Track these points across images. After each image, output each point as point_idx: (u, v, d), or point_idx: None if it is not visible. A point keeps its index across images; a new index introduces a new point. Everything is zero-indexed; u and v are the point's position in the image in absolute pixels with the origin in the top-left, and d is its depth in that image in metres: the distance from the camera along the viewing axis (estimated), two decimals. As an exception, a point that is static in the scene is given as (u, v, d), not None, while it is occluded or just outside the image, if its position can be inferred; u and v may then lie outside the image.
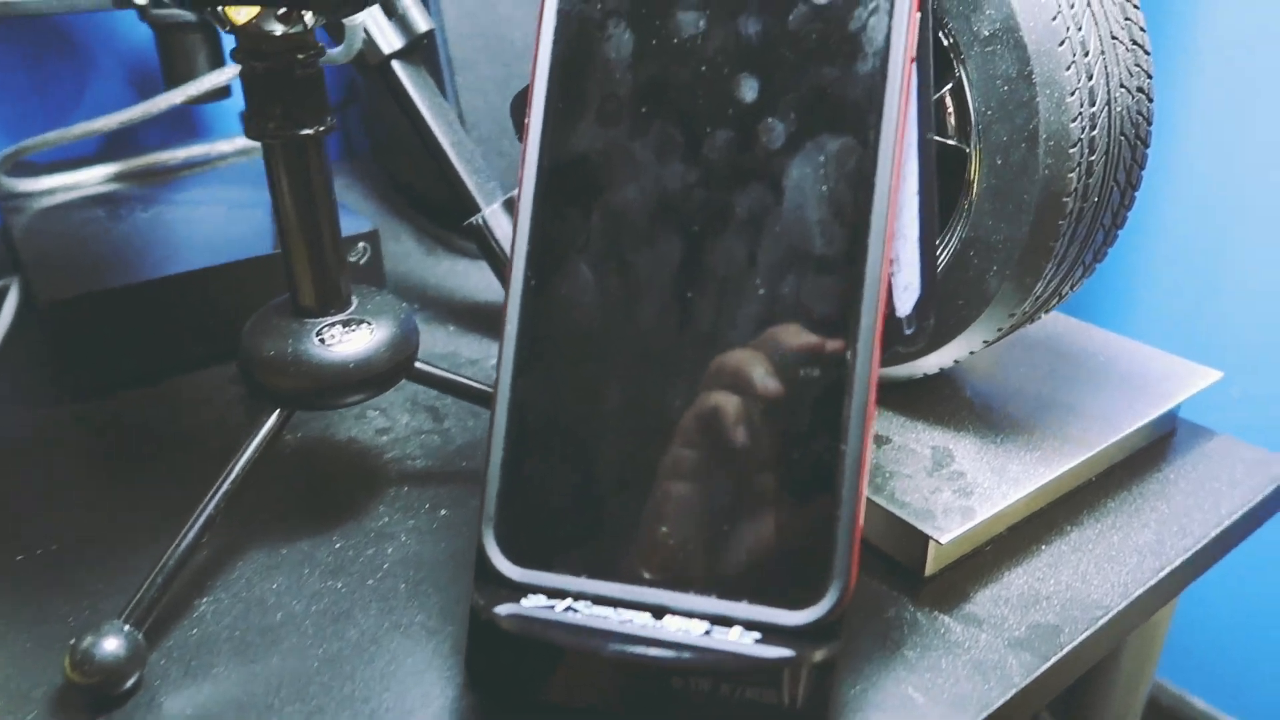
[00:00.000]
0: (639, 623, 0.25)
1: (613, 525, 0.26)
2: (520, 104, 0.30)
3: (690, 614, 0.25)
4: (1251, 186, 0.49)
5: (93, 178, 0.55)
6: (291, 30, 0.28)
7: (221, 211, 0.52)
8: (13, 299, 0.48)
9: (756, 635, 0.25)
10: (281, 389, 0.32)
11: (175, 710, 0.27)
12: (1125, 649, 0.44)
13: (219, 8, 0.27)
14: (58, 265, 0.45)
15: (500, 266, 0.45)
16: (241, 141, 0.59)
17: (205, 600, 0.31)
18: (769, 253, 0.25)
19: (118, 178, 0.55)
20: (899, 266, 0.26)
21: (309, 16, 0.28)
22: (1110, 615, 0.30)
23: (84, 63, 0.62)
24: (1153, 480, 0.36)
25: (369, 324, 0.32)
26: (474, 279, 0.54)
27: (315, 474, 0.38)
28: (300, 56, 0.29)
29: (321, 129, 0.30)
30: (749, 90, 0.26)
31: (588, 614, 0.25)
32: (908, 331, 0.26)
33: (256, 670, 0.29)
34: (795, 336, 0.25)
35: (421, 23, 0.42)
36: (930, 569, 0.31)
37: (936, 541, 0.30)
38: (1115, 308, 0.56)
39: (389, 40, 0.42)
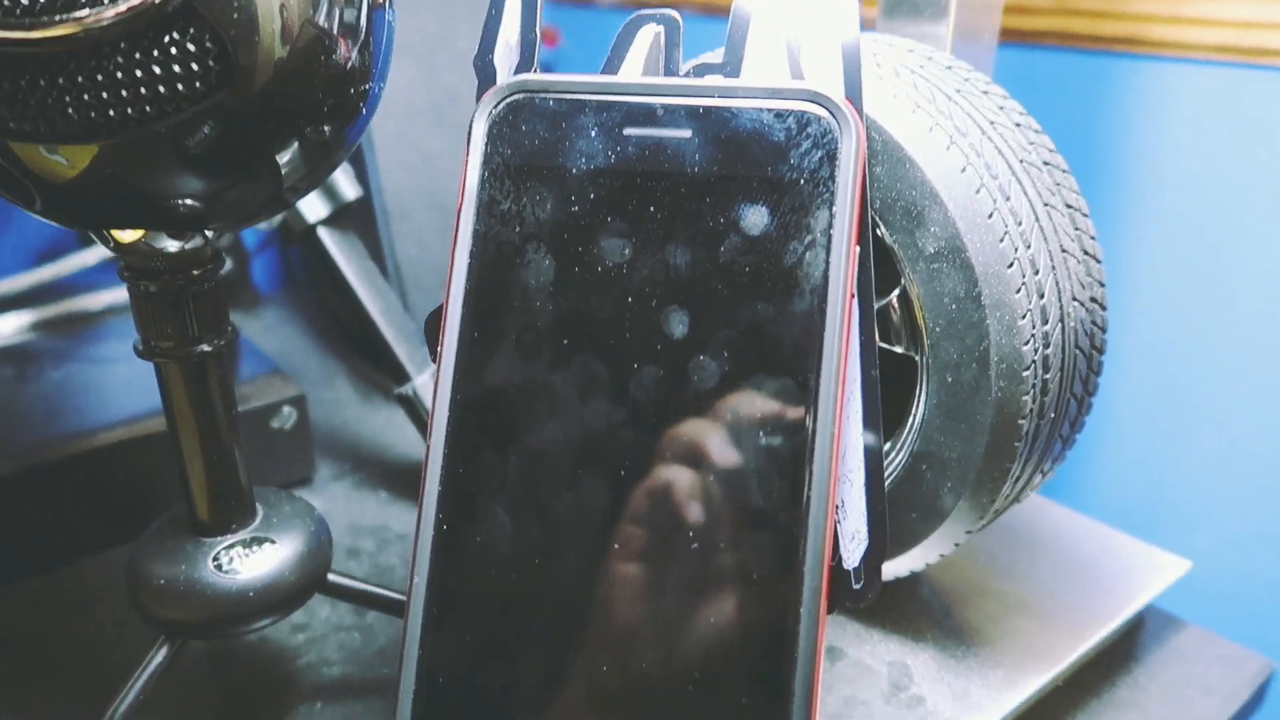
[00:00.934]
0: None
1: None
2: (434, 325, 0.28)
3: None
4: (1219, 359, 0.48)
5: (7, 328, 0.52)
6: (186, 246, 0.26)
7: (141, 368, 0.49)
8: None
9: None
10: (173, 620, 0.29)
11: None
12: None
13: (102, 230, 0.25)
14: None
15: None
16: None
17: None
18: (703, 505, 0.23)
19: (35, 327, 0.52)
20: (845, 513, 0.24)
21: (209, 232, 0.26)
22: None
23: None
24: (1123, 685, 0.34)
25: (274, 542, 0.30)
26: (410, 434, 0.51)
27: (217, 685, 0.35)
28: (195, 274, 0.26)
29: (221, 343, 0.28)
30: (679, 324, 0.24)
31: None
32: (856, 586, 0.24)
33: None
34: (733, 603, 0.23)
35: (349, 190, 0.40)
36: (888, 813, 0.29)
37: (894, 794, 0.27)
38: (1078, 482, 0.55)
39: (314, 209, 0.40)
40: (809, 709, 0.22)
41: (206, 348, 0.27)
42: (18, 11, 0.21)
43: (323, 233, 0.41)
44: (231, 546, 0.29)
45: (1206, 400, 0.49)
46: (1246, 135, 0.46)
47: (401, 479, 0.47)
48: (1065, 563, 0.36)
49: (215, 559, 0.29)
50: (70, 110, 0.21)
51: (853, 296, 0.23)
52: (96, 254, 0.47)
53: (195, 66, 0.21)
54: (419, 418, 0.42)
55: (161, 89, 0.22)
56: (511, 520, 0.24)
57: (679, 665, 0.23)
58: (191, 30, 0.21)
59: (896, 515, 0.30)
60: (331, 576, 0.32)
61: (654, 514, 0.23)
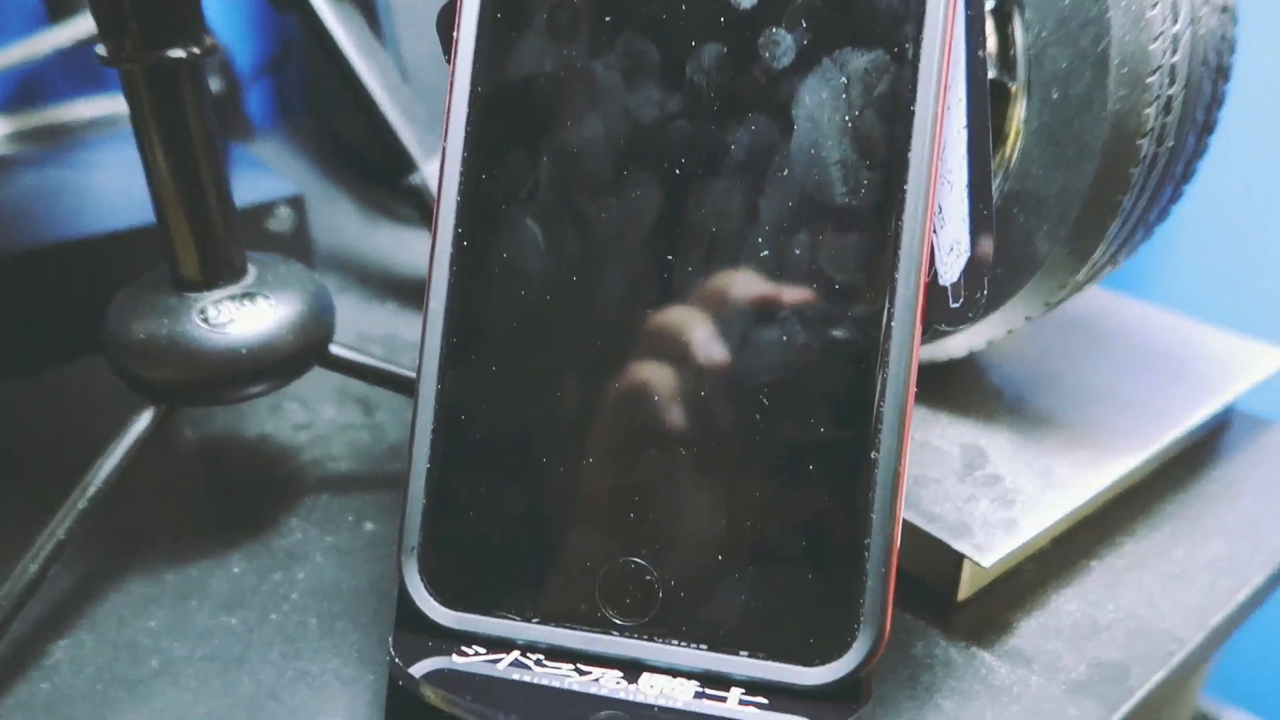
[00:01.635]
0: (607, 684, 0.19)
1: (571, 555, 0.20)
2: (449, 16, 0.23)
3: (674, 672, 0.19)
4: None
5: (-19, 135, 0.48)
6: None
7: (124, 177, 0.45)
8: None
9: (761, 700, 0.19)
10: (156, 380, 0.25)
11: (5, 797, 0.21)
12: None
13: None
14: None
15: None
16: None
17: (62, 644, 0.25)
18: (775, 204, 0.19)
19: (10, 138, 0.48)
20: (943, 221, 0.20)
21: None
22: (1188, 650, 0.25)
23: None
24: (1213, 480, 0.31)
25: (268, 298, 0.26)
26: (419, 249, 0.47)
27: (215, 480, 0.32)
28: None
29: (197, 51, 0.24)
30: (747, -13, 0.20)
31: (540, 672, 0.19)
32: (954, 304, 0.20)
33: (117, 738, 0.22)
34: (810, 313, 0.19)
35: (345, -58, 0.35)
36: (965, 593, 0.26)
37: (975, 561, 0.24)
38: (1154, 276, 0.51)
39: (307, -37, 0.35)
40: (901, 432, 0.18)
41: (178, 52, 0.23)
42: None
43: (319, 1, 0.36)
44: (220, 301, 0.26)
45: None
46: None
47: (409, 292, 0.43)
48: (1149, 354, 0.33)
49: (202, 312, 0.25)
50: None
51: (961, -53, 0.19)
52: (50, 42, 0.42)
53: None
54: (427, 211, 0.38)
55: None
56: (544, 232, 0.20)
57: (748, 386, 0.19)
58: None
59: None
60: (334, 348, 0.28)
61: (717, 215, 0.20)
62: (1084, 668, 0.24)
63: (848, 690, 0.19)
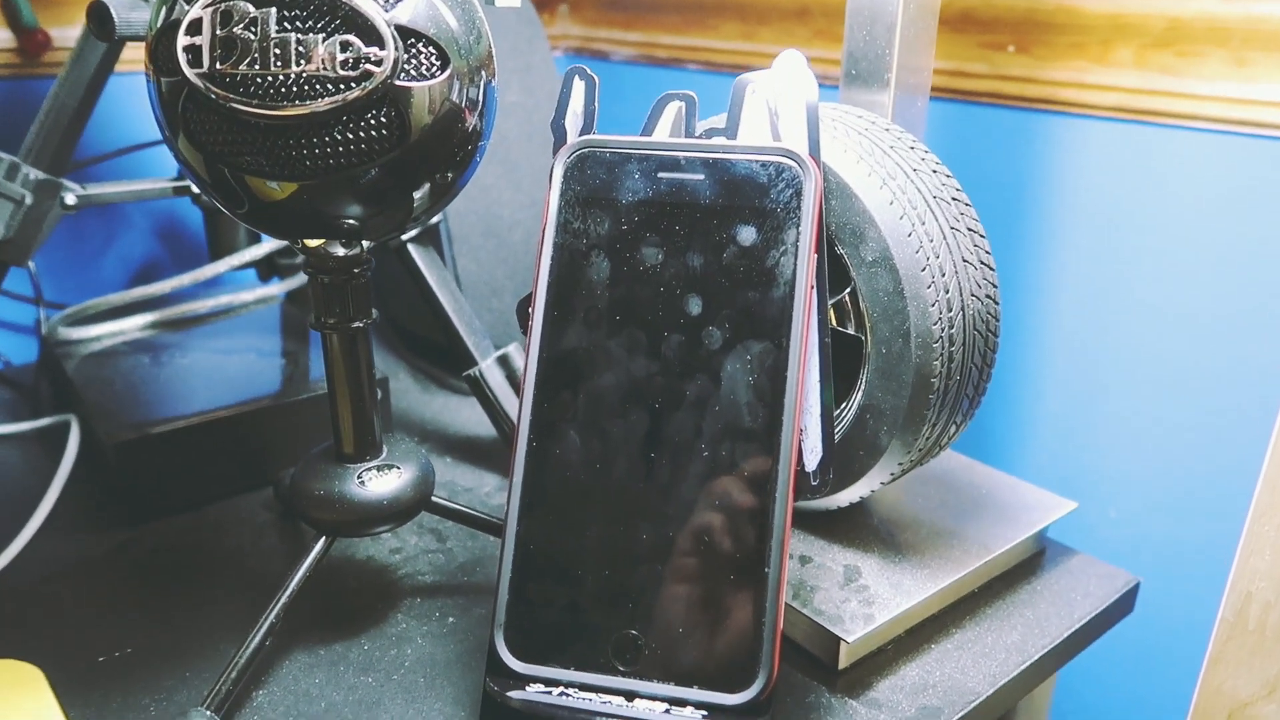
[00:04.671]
0: (615, 704, 0.33)
1: (594, 630, 0.34)
2: (524, 308, 0.39)
3: (653, 697, 0.33)
4: (1116, 336, 0.60)
5: (131, 326, 0.63)
6: (350, 252, 0.38)
7: (248, 358, 0.60)
8: (74, 436, 0.55)
9: (704, 713, 0.33)
10: (328, 521, 0.40)
11: (246, 782, 0.35)
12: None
13: (298, 241, 0.36)
14: (114, 407, 0.53)
15: (493, 411, 0.53)
16: (260, 291, 0.68)
17: (261, 693, 0.39)
18: (710, 425, 0.35)
19: (153, 325, 0.64)
20: (806, 434, 0.35)
21: (365, 242, 0.38)
22: (982, 699, 0.39)
23: (139, 237, 0.71)
24: (1023, 590, 0.45)
25: (398, 468, 0.41)
26: (465, 414, 0.63)
27: (341, 589, 0.46)
28: (355, 270, 0.38)
29: (369, 321, 0.39)
30: (695, 306, 0.35)
31: (576, 698, 0.33)
32: (814, 483, 0.35)
33: (308, 749, 0.36)
34: (730, 488, 0.34)
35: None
36: (843, 663, 0.40)
37: (845, 640, 0.38)
38: (1002, 443, 0.67)
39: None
40: (781, 554, 0.33)
41: (359, 324, 0.39)
42: (271, 93, 0.32)
43: (412, 248, 0.52)
44: (369, 469, 0.40)
45: (1110, 380, 0.61)
46: (1137, 174, 0.58)
47: (462, 448, 0.58)
48: (983, 502, 0.47)
49: (359, 478, 0.40)
50: (295, 158, 0.33)
51: (812, 288, 0.35)
52: (213, 270, 0.58)
53: (384, 133, 0.33)
54: (484, 395, 0.53)
55: (358, 147, 0.33)
56: (580, 438, 0.35)
57: (696, 530, 0.34)
58: (386, 110, 0.33)
59: (847, 452, 0.41)
60: (435, 498, 0.43)
61: (679, 431, 0.35)
62: (914, 710, 0.38)
63: (755, 709, 0.33)
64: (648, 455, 0.35)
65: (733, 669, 0.33)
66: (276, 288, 0.69)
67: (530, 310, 0.37)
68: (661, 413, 0.35)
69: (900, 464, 0.41)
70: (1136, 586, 0.46)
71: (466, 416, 0.62)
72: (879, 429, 0.40)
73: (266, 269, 0.72)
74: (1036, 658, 0.41)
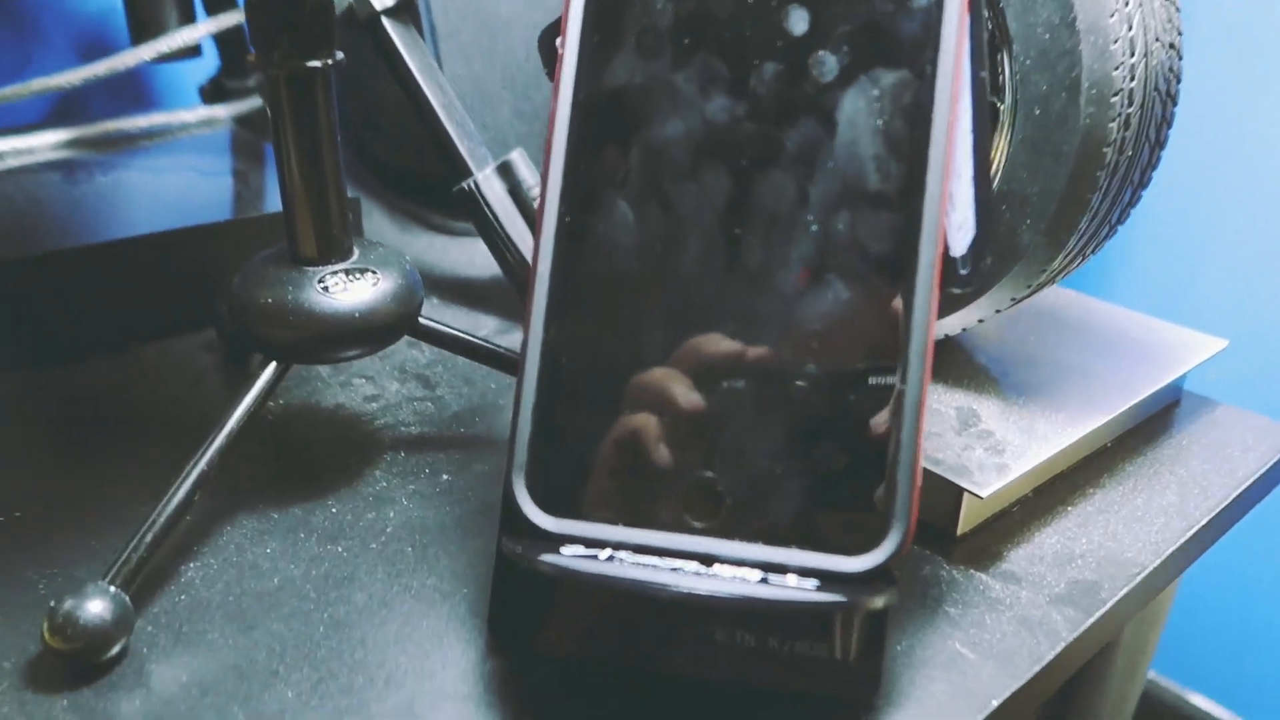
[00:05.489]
0: (689, 571, 0.24)
1: (654, 471, 0.24)
2: (550, 37, 0.28)
3: (741, 562, 0.24)
4: (1242, 156, 0.50)
5: (45, 143, 0.51)
6: (306, -53, 0.26)
7: (186, 178, 0.49)
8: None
9: (815, 583, 0.23)
10: (281, 340, 0.30)
11: (168, 678, 0.25)
12: (1121, 641, 0.44)
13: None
14: (13, 227, 0.42)
15: (492, 235, 0.43)
16: (204, 112, 0.57)
17: (192, 566, 0.29)
18: (822, 189, 0.24)
19: (72, 144, 0.52)
20: (953, 205, 0.25)
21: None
22: (1147, 571, 0.30)
23: (39, 24, 0.59)
24: (1167, 446, 0.36)
25: (374, 274, 0.30)
26: (453, 254, 0.52)
27: (301, 440, 0.36)
28: (313, -22, 0.27)
29: (330, 62, 0.28)
30: (799, 22, 0.25)
31: (632, 564, 0.24)
32: (962, 271, 0.25)
33: (256, 636, 0.26)
34: (851, 275, 0.24)
35: (413, -21, 0.40)
36: (963, 527, 0.30)
37: (977, 495, 0.29)
38: (1109, 281, 0.57)
39: (381, -6, 0.40)
40: (924, 367, 0.23)
41: (315, 63, 0.28)
42: None
43: (387, 23, 0.41)
44: (335, 273, 0.30)
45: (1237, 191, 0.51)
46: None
47: (451, 289, 0.48)
48: (1110, 341, 0.38)
49: (321, 282, 0.29)
50: None
51: (969, -9, 0.24)
52: (135, 56, 0.46)
53: None
54: (481, 215, 0.42)
55: None
56: (634, 211, 0.25)
57: (800, 334, 0.24)
58: None
59: (973, 256, 0.31)
60: (422, 320, 0.33)
61: (775, 198, 0.24)
62: (1063, 585, 0.29)
63: (882, 578, 0.23)
64: (730, 231, 0.25)
65: (854, 523, 0.24)
66: (224, 109, 0.57)
67: (560, 38, 0.26)
68: (750, 172, 0.25)
69: (1042, 271, 0.31)
70: (1300, 444, 0.37)
71: (455, 257, 0.52)
72: (1019, 223, 0.30)
73: (213, 93, 0.60)
74: (1203, 522, 0.32)
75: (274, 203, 0.44)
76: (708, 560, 0.24)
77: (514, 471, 0.25)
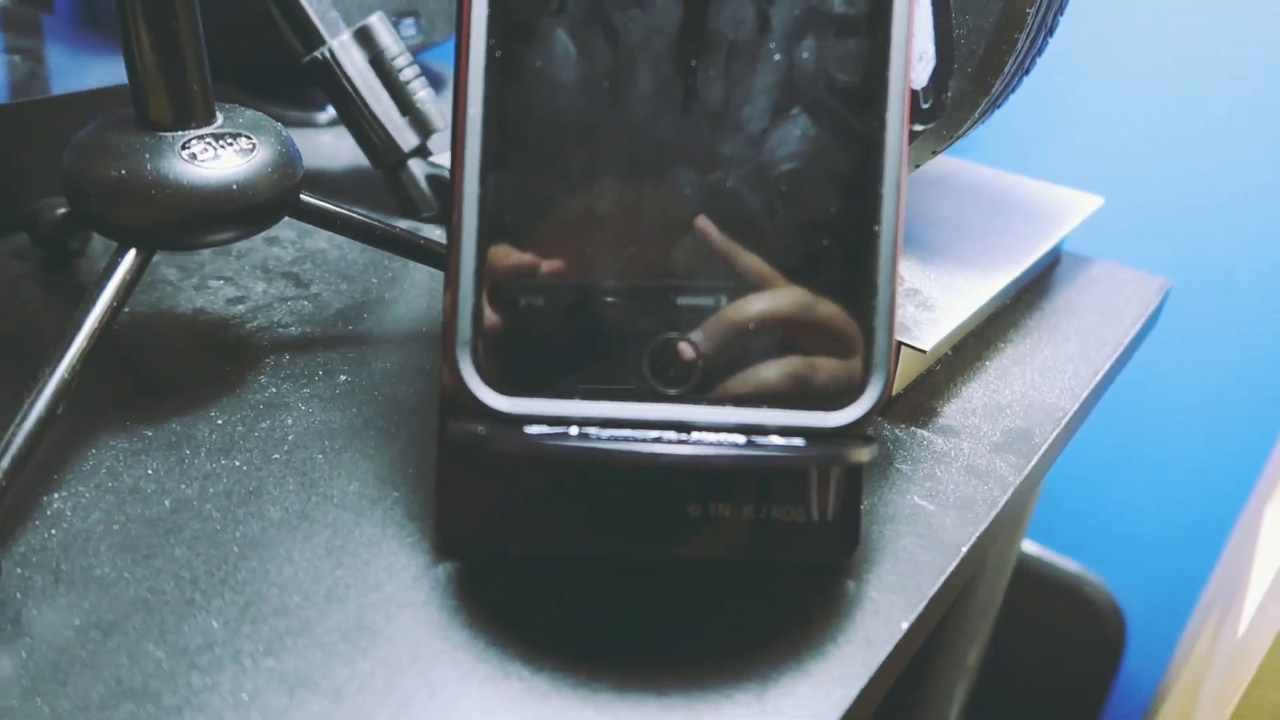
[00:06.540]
0: (666, 441, 0.22)
1: (618, 337, 0.22)
2: None
3: (718, 427, 0.22)
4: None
5: None
6: None
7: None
8: None
9: (801, 440, 0.22)
10: (138, 220, 0.25)
11: (55, 623, 0.21)
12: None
13: None
14: None
15: (352, 109, 0.38)
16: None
17: (58, 496, 0.24)
18: (784, 13, 0.22)
19: None
20: (913, 34, 0.24)
21: None
22: (1069, 415, 0.30)
23: None
24: (1059, 300, 0.37)
25: (247, 138, 0.26)
26: (323, 147, 0.47)
27: (161, 350, 0.31)
28: None
29: None
30: None
31: (605, 435, 0.22)
32: (925, 105, 0.24)
33: (157, 565, 0.22)
34: (817, 108, 0.22)
35: None
36: (898, 387, 0.30)
37: (920, 350, 0.28)
38: (985, 148, 0.59)
39: None
40: (897, 205, 0.22)
41: (164, -127, 0.23)
42: None
43: None
44: (200, 139, 0.25)
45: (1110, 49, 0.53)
46: None
47: (322, 184, 0.43)
48: (1002, 203, 0.38)
49: (186, 148, 0.25)
50: None
51: None
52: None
53: None
54: (338, 88, 0.37)
55: None
56: (574, 39, 0.22)
57: (766, 173, 0.22)
58: None
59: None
60: (305, 197, 0.28)
61: (733, 22, 0.22)
62: (999, 434, 0.29)
63: (865, 428, 0.22)
64: (685, 61, 0.22)
65: (831, 377, 0.22)
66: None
67: None
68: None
69: (962, 125, 0.30)
70: (1168, 294, 0.39)
71: (326, 151, 0.46)
72: (944, 72, 0.29)
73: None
74: (1107, 367, 0.33)
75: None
76: (684, 428, 0.22)
77: (458, 349, 0.22)
